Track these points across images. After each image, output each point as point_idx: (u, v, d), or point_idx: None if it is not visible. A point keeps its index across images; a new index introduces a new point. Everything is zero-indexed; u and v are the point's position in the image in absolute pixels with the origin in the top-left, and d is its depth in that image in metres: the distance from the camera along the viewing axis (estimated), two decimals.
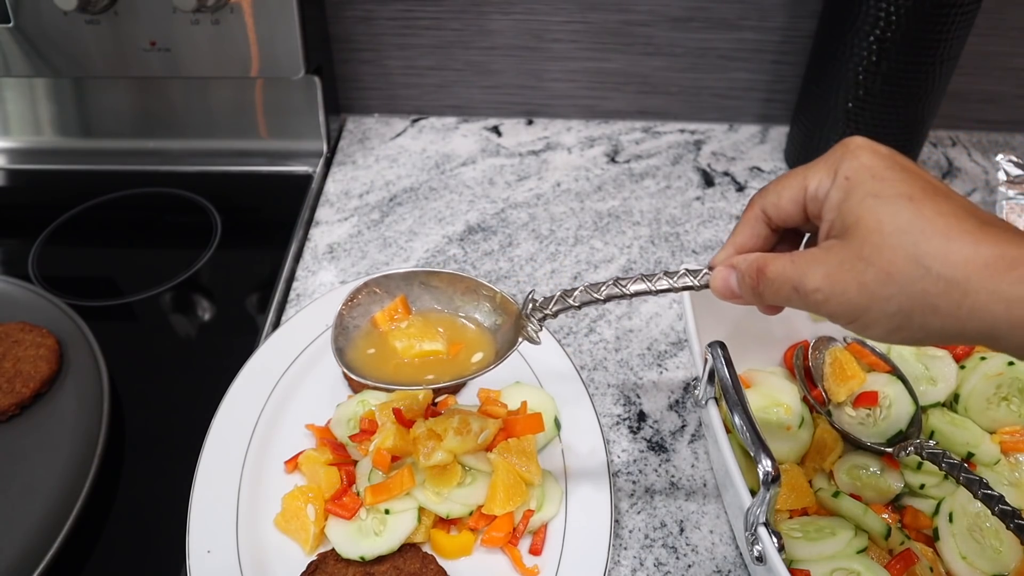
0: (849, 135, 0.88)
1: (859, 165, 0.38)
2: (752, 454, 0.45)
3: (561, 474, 0.58)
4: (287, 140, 0.92)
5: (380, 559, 0.52)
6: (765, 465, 0.44)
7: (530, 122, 0.99)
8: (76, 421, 0.60)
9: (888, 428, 0.56)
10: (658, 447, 0.63)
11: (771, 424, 0.58)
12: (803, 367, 0.61)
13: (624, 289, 0.46)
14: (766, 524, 0.45)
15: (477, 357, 0.52)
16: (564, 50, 0.94)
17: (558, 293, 0.49)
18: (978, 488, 0.50)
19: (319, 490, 0.55)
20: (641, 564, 0.56)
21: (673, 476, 0.61)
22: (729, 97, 0.97)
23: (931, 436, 0.57)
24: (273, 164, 0.91)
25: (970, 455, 0.56)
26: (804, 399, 0.60)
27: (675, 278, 0.45)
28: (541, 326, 0.49)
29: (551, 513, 0.55)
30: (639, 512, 0.59)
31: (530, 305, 0.50)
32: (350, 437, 0.58)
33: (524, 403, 0.59)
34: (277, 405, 0.62)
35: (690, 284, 0.45)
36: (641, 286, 0.46)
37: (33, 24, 0.81)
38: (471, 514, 0.54)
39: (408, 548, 0.53)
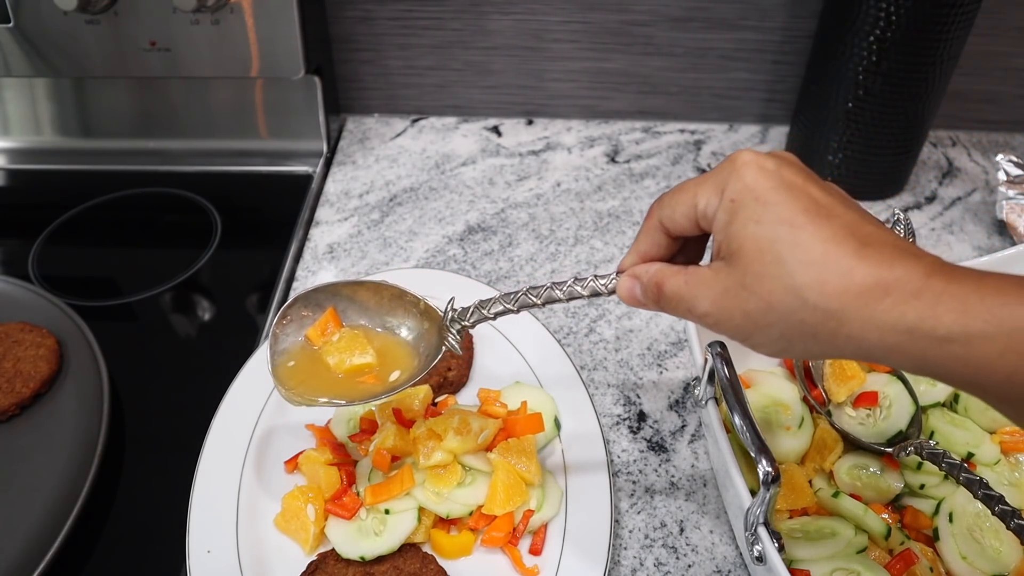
0: (849, 135, 0.87)
1: (743, 186, 0.37)
2: (752, 454, 0.46)
3: (561, 474, 0.58)
4: (287, 140, 0.92)
5: (380, 559, 0.52)
6: (765, 465, 0.44)
7: (530, 122, 1.00)
8: (76, 421, 0.60)
9: (888, 428, 0.56)
10: (658, 447, 0.63)
11: (771, 424, 0.58)
12: (803, 367, 0.61)
13: (536, 298, 0.47)
14: (766, 524, 0.45)
15: (395, 375, 0.52)
16: (564, 50, 0.94)
17: (474, 303, 0.50)
18: (978, 488, 0.50)
19: (319, 490, 0.55)
20: (641, 564, 0.56)
21: (673, 476, 0.61)
22: (729, 97, 0.97)
23: (931, 436, 0.57)
24: (273, 164, 0.91)
25: (970, 455, 0.56)
26: (804, 399, 0.60)
27: (584, 285, 0.46)
28: (460, 336, 0.50)
29: (551, 513, 0.55)
30: (639, 512, 0.59)
31: (450, 315, 0.50)
32: (350, 437, 0.58)
33: (524, 403, 0.59)
34: (277, 405, 0.62)
35: (599, 290, 0.45)
36: (554, 293, 0.47)
37: (33, 24, 0.81)
38: (471, 514, 0.54)
39: (408, 548, 0.53)
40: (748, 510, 0.46)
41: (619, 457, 0.62)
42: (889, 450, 0.55)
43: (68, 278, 0.76)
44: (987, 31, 0.89)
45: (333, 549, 0.53)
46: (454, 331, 0.50)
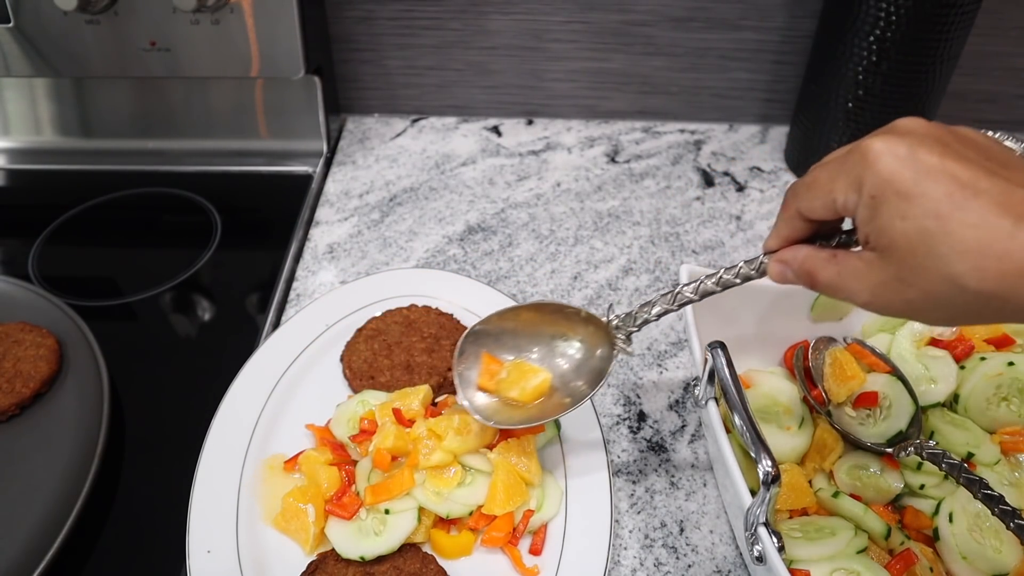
0: (849, 135, 0.87)
1: (882, 181, 0.37)
2: (752, 454, 0.46)
3: (561, 474, 0.58)
4: (287, 140, 0.92)
5: (380, 559, 0.52)
6: (765, 465, 0.44)
7: (530, 122, 1.00)
8: (76, 421, 0.60)
9: (888, 428, 0.56)
10: (658, 447, 0.63)
11: (771, 424, 0.58)
12: (803, 367, 0.61)
13: (693, 294, 0.50)
14: (766, 524, 0.45)
15: (577, 385, 0.54)
16: (564, 50, 0.94)
17: (635, 307, 0.52)
18: (978, 488, 0.50)
19: (319, 490, 0.55)
20: (641, 564, 0.56)
21: (673, 476, 0.61)
22: (729, 97, 0.97)
23: (931, 436, 0.57)
24: (273, 164, 0.91)
25: (970, 455, 0.56)
26: (804, 399, 0.60)
27: (736, 272, 0.48)
28: (630, 341, 0.53)
29: (551, 513, 0.55)
30: (639, 512, 0.59)
31: (614, 322, 0.53)
32: (350, 437, 0.58)
33: None
34: (277, 405, 0.62)
35: (750, 275, 0.47)
36: (707, 286, 0.49)
37: (33, 24, 0.81)
38: (471, 514, 0.54)
39: (408, 548, 0.53)
40: (748, 510, 0.46)
41: (619, 457, 0.62)
42: (889, 450, 0.55)
43: (68, 278, 0.76)
44: (987, 31, 0.89)
45: (333, 549, 0.53)
46: (622, 337, 0.52)
